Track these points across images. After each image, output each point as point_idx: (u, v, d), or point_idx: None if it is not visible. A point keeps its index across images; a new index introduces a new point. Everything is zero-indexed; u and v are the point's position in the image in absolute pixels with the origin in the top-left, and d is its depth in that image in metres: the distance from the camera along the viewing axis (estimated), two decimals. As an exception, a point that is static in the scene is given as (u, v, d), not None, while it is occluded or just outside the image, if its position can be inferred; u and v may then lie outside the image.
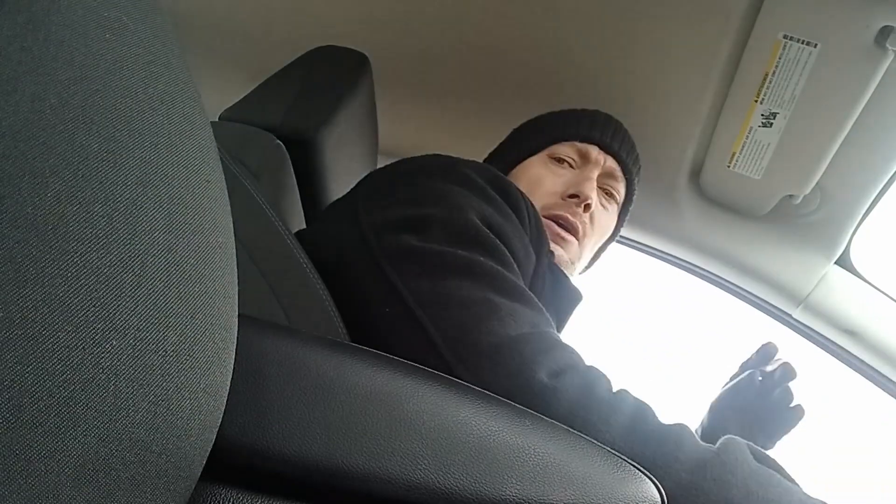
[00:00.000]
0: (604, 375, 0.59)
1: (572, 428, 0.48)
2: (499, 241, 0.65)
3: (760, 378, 0.89)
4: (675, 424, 0.57)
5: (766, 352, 0.91)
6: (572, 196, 0.86)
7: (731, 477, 0.53)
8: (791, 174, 0.95)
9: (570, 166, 0.90)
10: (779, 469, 0.58)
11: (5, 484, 0.21)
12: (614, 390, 0.58)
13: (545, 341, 0.58)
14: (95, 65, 0.24)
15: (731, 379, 0.94)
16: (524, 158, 0.92)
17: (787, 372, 0.86)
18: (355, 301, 0.62)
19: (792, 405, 0.86)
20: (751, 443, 0.59)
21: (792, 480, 0.57)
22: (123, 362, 0.25)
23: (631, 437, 0.54)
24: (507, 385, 0.54)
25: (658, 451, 0.53)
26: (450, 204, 0.66)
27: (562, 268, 0.80)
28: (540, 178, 0.88)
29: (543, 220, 0.81)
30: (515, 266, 0.66)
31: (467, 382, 0.49)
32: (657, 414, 0.58)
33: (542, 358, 0.56)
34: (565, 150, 0.91)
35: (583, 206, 0.86)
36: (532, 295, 0.64)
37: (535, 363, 0.55)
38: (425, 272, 0.60)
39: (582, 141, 0.91)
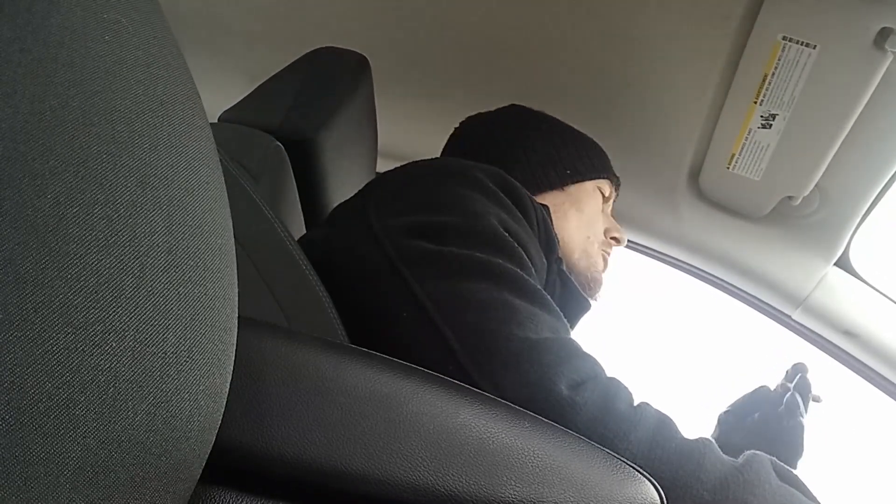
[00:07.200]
0: (625, 388, 0.58)
1: (591, 441, 0.47)
2: (517, 245, 0.64)
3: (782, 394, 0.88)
4: (697, 440, 0.56)
5: (796, 371, 0.91)
6: (614, 238, 0.93)
7: (752, 498, 0.53)
8: (790, 175, 0.95)
9: (603, 202, 0.94)
10: (801, 487, 0.57)
11: (5, 486, 0.21)
12: (635, 403, 0.57)
13: (566, 349, 0.57)
14: (95, 66, 0.24)
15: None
16: (577, 181, 0.90)
17: (802, 384, 0.87)
18: (372, 308, 0.61)
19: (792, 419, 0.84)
20: (773, 458, 0.58)
21: (813, 499, 0.57)
22: (123, 364, 0.25)
23: (651, 454, 0.53)
24: (526, 394, 0.53)
25: (679, 469, 0.53)
26: (466, 209, 0.65)
27: (596, 292, 0.85)
28: (598, 215, 0.92)
29: (599, 251, 0.89)
30: (533, 270, 0.65)
31: (485, 390, 0.48)
32: (678, 428, 0.57)
33: (562, 368, 0.55)
34: (605, 186, 0.93)
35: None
36: (551, 300, 0.63)
37: (556, 374, 0.54)
38: (443, 274, 0.59)
39: (617, 187, 0.96)
